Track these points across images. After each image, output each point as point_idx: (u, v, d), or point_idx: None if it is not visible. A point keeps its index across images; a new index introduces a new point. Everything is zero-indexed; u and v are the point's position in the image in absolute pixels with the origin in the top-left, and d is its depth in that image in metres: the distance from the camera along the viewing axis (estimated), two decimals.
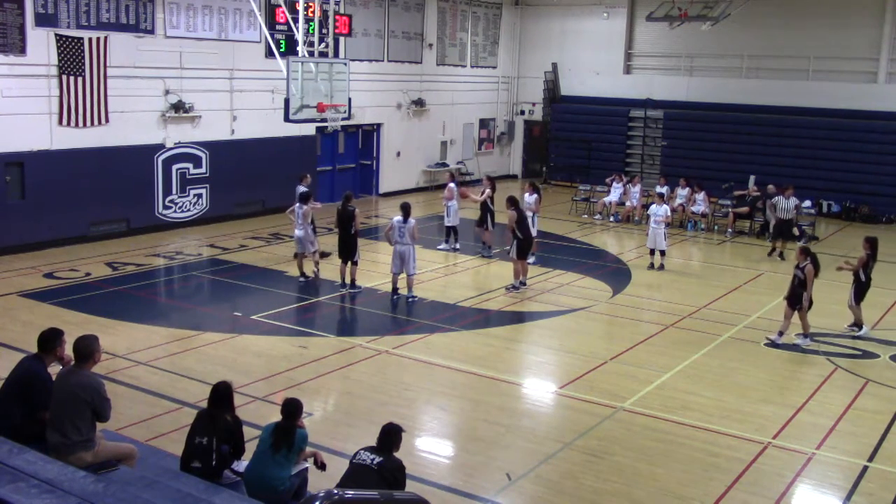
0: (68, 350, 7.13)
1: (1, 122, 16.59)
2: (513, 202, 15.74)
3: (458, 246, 18.96)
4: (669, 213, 18.68)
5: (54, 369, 7.16)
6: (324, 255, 16.69)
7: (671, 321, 14.20)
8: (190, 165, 20.29)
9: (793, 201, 19.71)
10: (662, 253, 17.94)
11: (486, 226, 18.58)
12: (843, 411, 10.59)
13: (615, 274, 17.52)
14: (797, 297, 12.86)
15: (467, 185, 25.52)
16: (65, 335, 7.25)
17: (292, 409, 7.15)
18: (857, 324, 13.78)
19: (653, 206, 18.40)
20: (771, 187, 21.93)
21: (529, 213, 16.89)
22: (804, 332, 13.04)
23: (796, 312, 12.96)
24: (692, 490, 8.46)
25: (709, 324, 14.10)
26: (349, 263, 15.28)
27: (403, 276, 14.82)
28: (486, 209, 18.55)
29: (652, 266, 17.86)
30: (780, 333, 13.01)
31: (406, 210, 14.79)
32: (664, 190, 22.32)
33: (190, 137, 20.18)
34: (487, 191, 18.59)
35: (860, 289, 13.70)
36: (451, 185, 19.17)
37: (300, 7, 17.29)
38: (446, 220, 19.01)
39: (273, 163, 22.06)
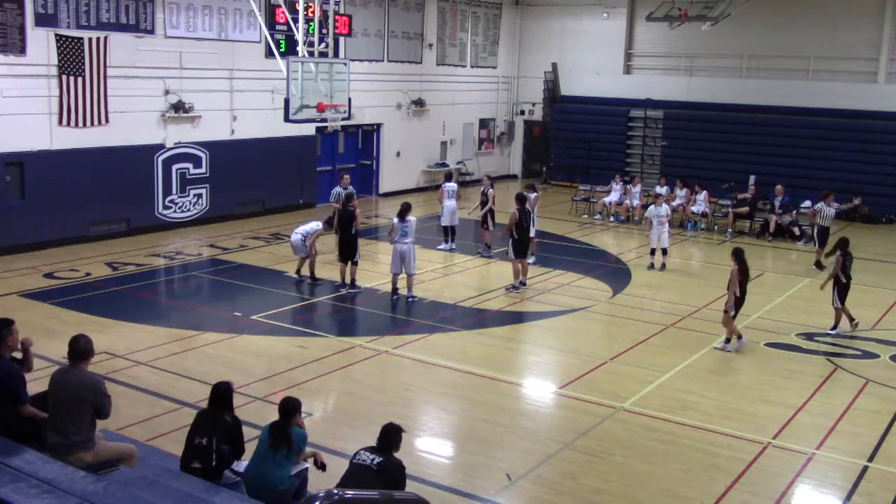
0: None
1: (1, 122, 16.59)
2: (519, 200, 15.75)
3: (454, 246, 19.00)
4: (670, 213, 18.77)
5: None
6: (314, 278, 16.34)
7: (671, 321, 14.20)
8: (190, 165, 20.29)
9: (834, 207, 18.76)
10: (664, 252, 17.97)
11: (486, 225, 18.61)
12: (843, 411, 10.59)
13: (615, 274, 17.52)
14: (737, 301, 12.63)
15: (467, 186, 25.62)
16: (14, 324, 7.13)
17: (289, 407, 7.16)
18: (837, 323, 13.66)
19: (651, 208, 18.37)
20: (779, 187, 21.94)
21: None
22: (727, 336, 12.78)
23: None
24: (692, 490, 8.47)
25: (709, 324, 14.09)
26: (349, 263, 15.30)
27: (403, 276, 14.82)
28: (488, 209, 18.60)
29: (652, 266, 17.87)
30: (727, 340, 12.76)
31: (403, 209, 14.85)
32: (664, 190, 22.33)
33: (190, 137, 20.17)
34: (491, 190, 18.66)
35: (842, 290, 13.53)
36: (444, 185, 19.18)
37: (300, 7, 17.30)
38: (444, 220, 19.01)
39: (273, 163, 22.08)
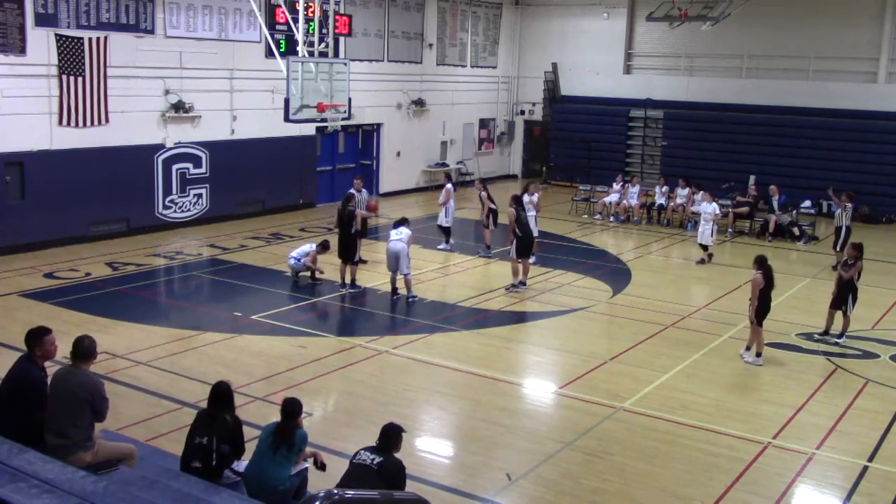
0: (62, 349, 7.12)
1: (1, 122, 16.59)
2: (516, 201, 15.79)
3: (453, 245, 18.98)
4: (718, 211, 19.21)
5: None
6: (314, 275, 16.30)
7: (671, 321, 14.20)
8: (190, 165, 20.28)
9: (848, 209, 18.41)
10: (706, 247, 18.59)
11: (487, 225, 18.60)
12: (843, 411, 10.59)
13: (615, 274, 17.52)
14: (758, 310, 12.17)
15: (466, 186, 25.60)
16: (50, 333, 7.17)
17: (292, 408, 7.16)
18: (844, 331, 13.29)
19: (703, 204, 19.09)
20: (773, 187, 21.96)
21: (533, 213, 17.00)
22: (749, 345, 12.40)
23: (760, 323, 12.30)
24: (692, 490, 8.47)
25: (709, 324, 14.10)
26: (349, 263, 15.30)
27: (401, 276, 14.81)
28: (487, 209, 18.61)
29: (702, 261, 18.62)
30: (748, 348, 12.43)
31: (399, 220, 15.14)
32: (679, 191, 22.48)
33: (190, 137, 20.16)
34: (484, 193, 18.69)
35: (856, 296, 13.13)
36: (449, 186, 19.17)
37: (300, 7, 17.29)
38: (443, 221, 18.99)
39: (273, 163, 22.08)
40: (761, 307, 12.13)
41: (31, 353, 7.13)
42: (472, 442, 9.49)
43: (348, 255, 15.24)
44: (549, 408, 10.80)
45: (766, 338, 12.71)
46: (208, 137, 20.56)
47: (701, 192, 22.44)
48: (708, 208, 18.77)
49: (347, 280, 15.38)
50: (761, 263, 12.24)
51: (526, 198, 17.77)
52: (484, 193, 18.68)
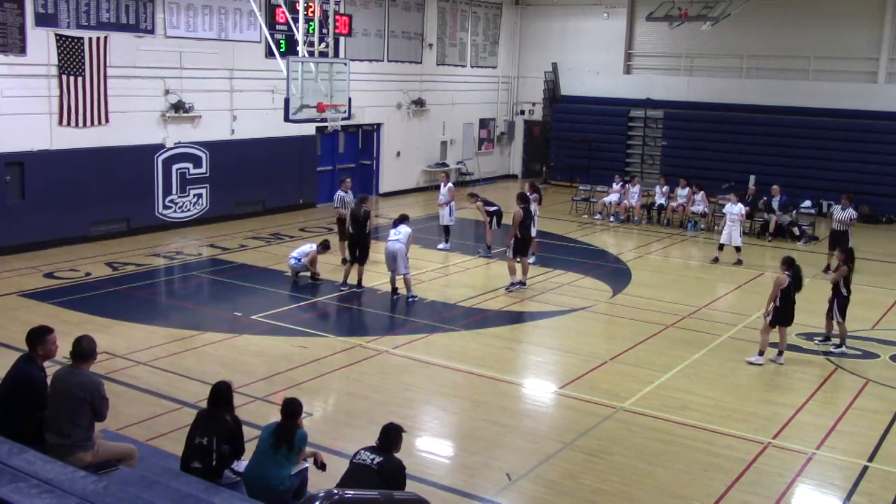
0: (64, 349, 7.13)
1: (1, 122, 16.58)
2: (523, 199, 15.77)
3: (449, 245, 18.98)
4: (743, 212, 19.15)
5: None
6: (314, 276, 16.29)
7: (671, 321, 14.20)
8: (190, 165, 20.28)
9: (849, 212, 18.07)
10: (738, 249, 18.60)
11: (490, 224, 18.59)
12: (843, 411, 10.59)
13: (615, 274, 17.52)
14: (777, 311, 12.07)
15: (467, 185, 25.57)
16: (52, 333, 7.18)
17: (292, 408, 7.16)
18: (842, 340, 12.95)
19: (728, 205, 19.11)
20: (775, 187, 21.95)
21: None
22: (780, 349, 12.29)
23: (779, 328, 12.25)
24: (692, 490, 8.46)
25: (709, 324, 14.10)
26: (354, 264, 15.25)
27: (400, 276, 14.79)
28: (486, 213, 18.65)
29: (716, 260, 18.73)
30: (760, 353, 12.25)
31: (399, 217, 15.07)
32: (679, 191, 22.54)
33: (190, 137, 20.16)
34: (479, 203, 18.72)
35: (843, 303, 12.81)
36: (450, 185, 19.16)
37: (300, 7, 17.29)
38: (444, 220, 18.98)
39: (273, 163, 22.08)
40: (782, 309, 12.04)
41: (31, 353, 7.13)
42: (472, 442, 9.49)
43: (361, 255, 15.17)
44: (549, 408, 10.80)
45: (770, 338, 12.54)
46: (208, 137, 20.56)
47: (702, 192, 22.54)
48: (734, 209, 18.68)
49: (351, 281, 15.34)
50: (789, 265, 12.13)
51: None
52: (479, 203, 18.73)
